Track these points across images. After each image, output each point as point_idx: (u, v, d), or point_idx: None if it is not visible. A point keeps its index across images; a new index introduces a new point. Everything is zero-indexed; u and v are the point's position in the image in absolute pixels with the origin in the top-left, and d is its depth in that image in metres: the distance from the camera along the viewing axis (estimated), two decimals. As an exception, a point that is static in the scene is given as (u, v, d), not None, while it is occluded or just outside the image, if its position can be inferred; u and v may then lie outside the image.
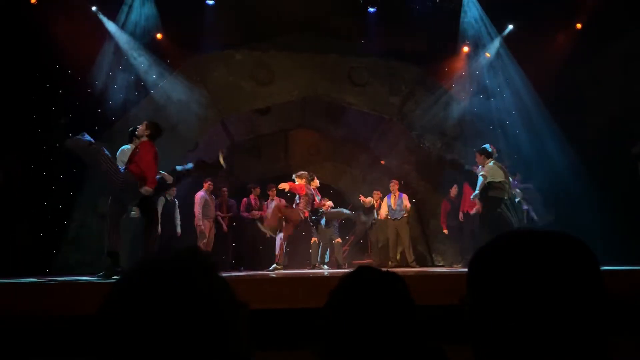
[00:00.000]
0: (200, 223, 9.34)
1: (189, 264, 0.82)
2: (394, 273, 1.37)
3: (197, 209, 9.35)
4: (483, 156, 7.65)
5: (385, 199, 10.19)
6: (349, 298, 1.26)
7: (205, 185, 9.62)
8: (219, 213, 10.05)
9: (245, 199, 10.47)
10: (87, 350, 0.77)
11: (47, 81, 8.68)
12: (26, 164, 8.55)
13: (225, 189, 10.38)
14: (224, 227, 10.06)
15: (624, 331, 0.88)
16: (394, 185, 10.13)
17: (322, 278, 5.95)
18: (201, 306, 0.77)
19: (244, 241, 10.42)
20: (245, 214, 10.27)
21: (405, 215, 9.97)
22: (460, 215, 9.54)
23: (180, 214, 9.47)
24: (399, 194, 10.08)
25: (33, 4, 8.54)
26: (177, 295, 0.76)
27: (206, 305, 0.78)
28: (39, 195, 8.59)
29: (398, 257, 10.32)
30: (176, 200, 9.45)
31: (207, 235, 9.45)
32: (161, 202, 8.97)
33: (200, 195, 9.48)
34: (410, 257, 9.79)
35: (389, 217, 10.05)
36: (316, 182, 9.13)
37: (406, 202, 10.02)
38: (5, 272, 6.67)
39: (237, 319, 0.81)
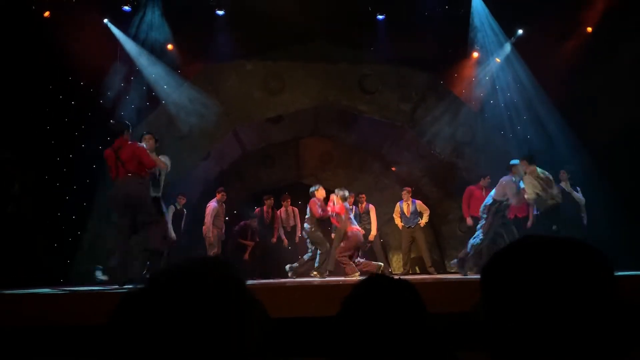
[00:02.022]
0: (210, 234, 9.35)
1: (214, 273, 0.82)
2: (405, 281, 1.37)
3: (209, 219, 9.35)
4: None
5: (398, 205, 10.14)
6: (361, 306, 1.26)
7: (218, 195, 9.64)
8: (241, 240, 10.03)
9: (257, 210, 10.49)
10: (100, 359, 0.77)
11: (60, 93, 8.78)
12: (40, 175, 8.64)
13: (255, 220, 10.27)
14: (246, 255, 10.03)
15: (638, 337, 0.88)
16: (406, 193, 10.05)
17: (335, 286, 5.93)
18: (223, 318, 0.76)
19: (257, 250, 10.43)
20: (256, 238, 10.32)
21: (421, 221, 9.89)
22: (469, 220, 9.45)
23: (185, 224, 9.46)
24: (412, 201, 9.99)
25: (46, 17, 8.66)
26: (198, 304, 0.76)
27: (230, 316, 0.77)
28: (53, 206, 8.67)
29: (408, 263, 10.27)
30: (185, 210, 9.46)
31: (215, 245, 9.47)
32: (171, 210, 9.00)
33: (212, 206, 9.49)
34: (427, 262, 9.73)
35: (402, 224, 9.98)
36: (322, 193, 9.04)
37: (422, 209, 9.92)
38: (21, 283, 6.73)
39: (259, 329, 0.81)
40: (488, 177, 9.29)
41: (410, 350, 1.19)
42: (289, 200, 10.64)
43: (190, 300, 0.76)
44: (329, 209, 8.81)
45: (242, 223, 10.23)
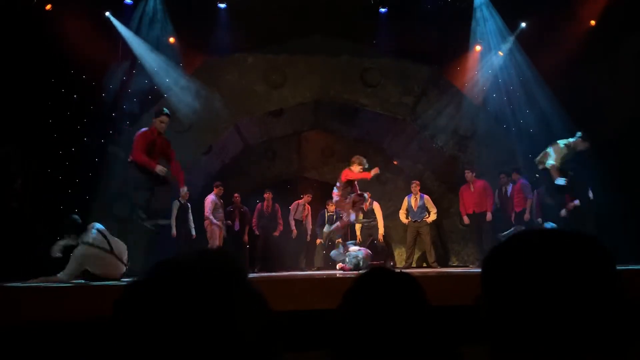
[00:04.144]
0: (210, 226, 9.41)
1: (216, 264, 0.81)
2: (407, 274, 1.36)
3: (207, 212, 9.40)
4: None
5: (406, 199, 10.03)
6: (363, 299, 1.26)
7: (216, 189, 9.67)
8: (229, 222, 10.09)
9: (258, 206, 10.54)
10: (103, 353, 0.76)
11: (62, 86, 8.76)
12: (43, 168, 8.64)
13: (237, 194, 10.40)
14: (245, 237, 10.26)
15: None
16: (415, 186, 9.93)
17: (337, 279, 5.94)
18: (224, 309, 0.76)
19: (257, 243, 10.46)
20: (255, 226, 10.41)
21: (428, 217, 9.84)
22: (465, 219, 9.46)
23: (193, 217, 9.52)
24: (420, 195, 9.87)
25: (47, 10, 8.64)
26: (199, 295, 0.75)
27: (230, 308, 0.76)
28: (56, 200, 8.67)
29: (415, 257, 10.25)
30: (189, 204, 9.48)
31: (217, 238, 9.50)
32: (175, 205, 9.04)
33: (210, 198, 9.52)
34: (431, 257, 9.67)
35: (409, 218, 9.93)
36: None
37: (429, 204, 9.85)
38: (24, 276, 6.74)
39: (260, 321, 0.80)
40: (468, 171, 9.46)
41: (412, 343, 1.19)
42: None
43: (191, 291, 0.75)
44: None
45: (227, 209, 10.27)
